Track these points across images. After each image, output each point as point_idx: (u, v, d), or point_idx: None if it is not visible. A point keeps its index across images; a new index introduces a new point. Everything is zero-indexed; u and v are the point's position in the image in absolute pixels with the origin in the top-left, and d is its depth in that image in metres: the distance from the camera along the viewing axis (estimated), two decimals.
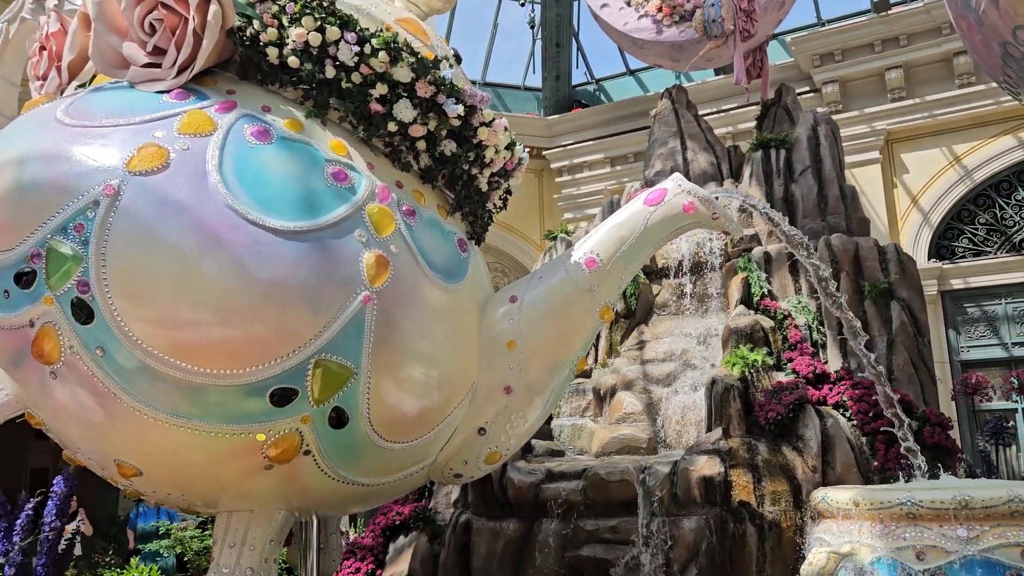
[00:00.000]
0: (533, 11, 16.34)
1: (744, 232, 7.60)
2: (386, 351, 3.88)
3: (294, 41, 4.20)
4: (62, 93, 4.70)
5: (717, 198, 4.59)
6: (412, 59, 4.33)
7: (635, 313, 8.14)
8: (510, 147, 4.86)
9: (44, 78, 4.95)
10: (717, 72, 14.90)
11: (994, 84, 12.70)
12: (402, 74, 4.30)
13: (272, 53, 4.22)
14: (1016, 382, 9.50)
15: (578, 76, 17.02)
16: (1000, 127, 12.99)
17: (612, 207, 8.93)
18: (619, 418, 7.12)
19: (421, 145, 4.47)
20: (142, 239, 3.58)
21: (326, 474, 3.90)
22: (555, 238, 9.25)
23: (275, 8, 4.26)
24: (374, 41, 4.26)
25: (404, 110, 4.34)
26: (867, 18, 13.83)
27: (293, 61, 4.22)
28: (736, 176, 9.07)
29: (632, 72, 16.74)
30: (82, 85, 4.68)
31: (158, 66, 4.20)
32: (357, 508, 5.27)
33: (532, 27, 16.40)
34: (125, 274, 3.55)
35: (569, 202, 15.99)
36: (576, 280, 4.54)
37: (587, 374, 7.89)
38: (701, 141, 9.34)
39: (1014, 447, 10.81)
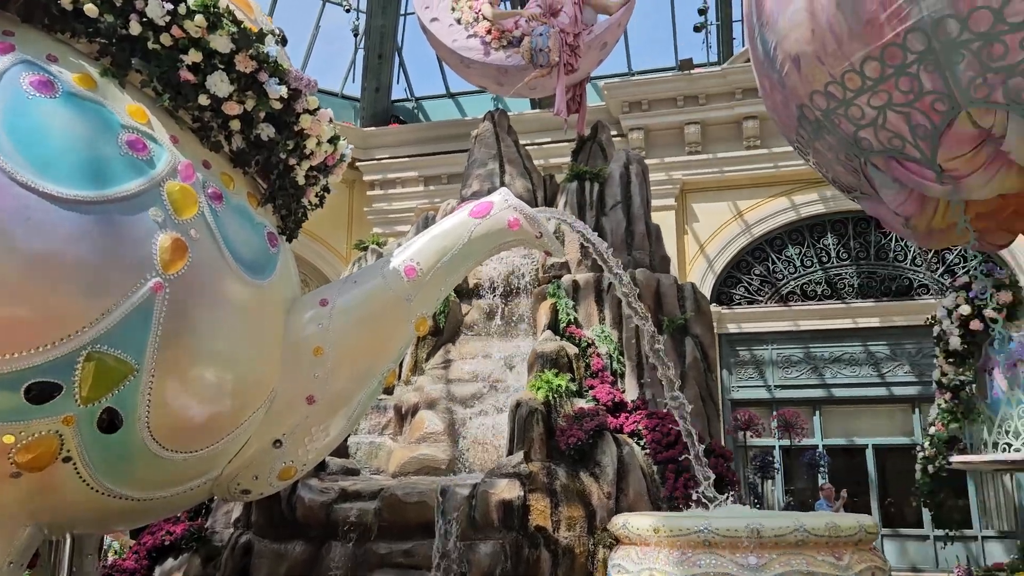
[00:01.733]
0: (358, 19, 15.97)
1: (559, 258, 7.72)
2: (175, 348, 3.43)
3: None
4: None
5: (549, 218, 4.55)
6: (234, 28, 3.93)
7: (443, 331, 8.00)
8: (333, 141, 4.55)
9: None
10: (533, 105, 15.32)
11: (775, 149, 14.10)
12: (220, 43, 3.89)
13: None
14: (784, 420, 10.39)
15: (398, 91, 16.83)
16: (777, 189, 14.35)
17: (427, 223, 8.78)
18: (420, 437, 6.90)
19: (235, 125, 4.06)
20: None
21: (88, 485, 3.34)
22: (366, 248, 8.95)
23: None
24: (191, 1, 3.83)
25: (219, 83, 3.92)
26: (672, 74, 14.85)
27: (91, 9, 3.68)
28: (550, 204, 9.27)
29: (452, 95, 16.80)
30: None
31: None
32: (123, 525, 4.62)
33: (355, 35, 16.02)
34: None
35: (379, 216, 15.67)
36: (393, 287, 4.30)
37: (389, 391, 7.62)
38: (519, 166, 9.47)
39: (772, 480, 11.81)
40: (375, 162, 15.72)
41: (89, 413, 3.20)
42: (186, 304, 3.47)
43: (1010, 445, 5.36)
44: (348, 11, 15.82)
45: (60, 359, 3.09)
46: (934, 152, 5.25)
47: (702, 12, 15.35)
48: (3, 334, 3.00)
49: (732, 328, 14.02)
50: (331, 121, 4.45)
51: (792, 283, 14.16)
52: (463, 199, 9.19)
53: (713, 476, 5.19)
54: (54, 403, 3.11)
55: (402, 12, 15.69)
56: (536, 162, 14.30)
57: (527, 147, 13.56)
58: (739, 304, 14.26)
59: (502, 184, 9.19)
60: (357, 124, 16.28)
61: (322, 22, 16.09)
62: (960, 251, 13.21)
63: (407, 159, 15.72)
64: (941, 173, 5.31)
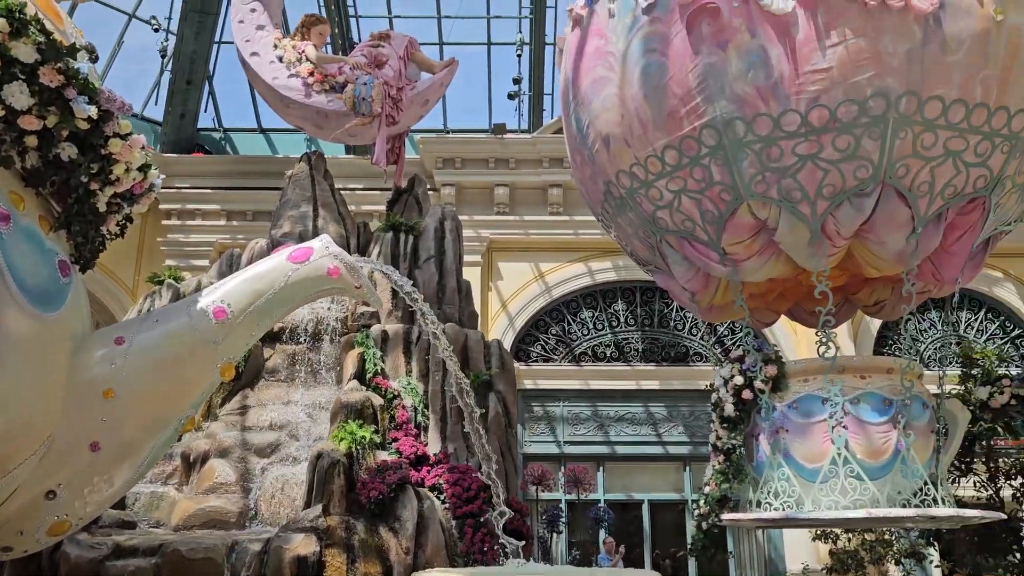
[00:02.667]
0: (167, 40, 15.14)
1: (377, 308, 7.65)
2: None
3: None
4: None
5: (364, 268, 4.54)
6: (41, 38, 3.64)
7: (241, 375, 7.60)
8: (144, 169, 4.29)
9: None
10: (348, 150, 15.23)
11: (577, 217, 14.95)
12: (24, 52, 3.59)
13: None
14: (573, 476, 10.83)
15: (205, 120, 16.07)
16: (576, 255, 15.18)
17: (231, 260, 8.40)
18: (209, 488, 6.46)
19: (31, 141, 3.73)
20: None
21: None
22: (161, 283, 8.36)
23: None
24: None
25: (18, 94, 3.60)
26: (486, 136, 15.39)
27: None
28: (363, 252, 9.20)
29: (264, 130, 16.33)
30: None
31: None
32: None
33: (163, 57, 15.16)
34: None
35: (174, 248, 14.73)
36: (200, 329, 4.07)
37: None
38: (334, 211, 9.34)
39: (559, 534, 12.21)
40: (174, 191, 14.81)
41: None
42: None
43: (771, 504, 5.95)
44: (157, 31, 14.98)
45: None
46: (719, 236, 5.85)
47: (516, 82, 16.12)
48: None
49: (528, 384, 14.49)
50: (143, 148, 4.20)
51: (584, 344, 14.93)
52: (272, 239, 8.90)
53: (499, 524, 5.32)
54: None
55: (217, 39, 15.11)
56: (349, 207, 14.21)
57: (341, 192, 13.47)
58: (536, 362, 14.80)
59: (315, 227, 9.01)
60: (157, 149, 15.30)
61: (126, 38, 15.12)
62: (729, 324, 14.61)
63: (210, 191, 14.98)
64: (724, 255, 5.92)
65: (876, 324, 14.56)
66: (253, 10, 10.26)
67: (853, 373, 5.86)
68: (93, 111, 3.79)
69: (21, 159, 3.74)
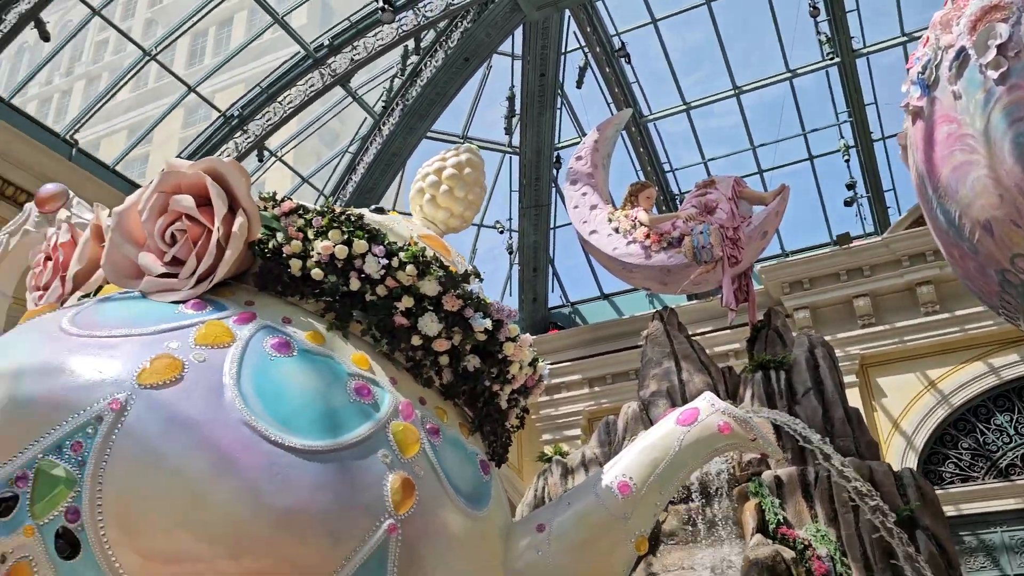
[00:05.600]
0: (511, 238, 17.03)
1: (777, 458, 7.31)
2: None
3: (319, 253, 4.11)
4: (63, 303, 4.51)
5: (750, 417, 4.38)
6: (441, 273, 4.25)
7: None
8: (533, 363, 4.68)
9: (45, 288, 4.79)
10: (690, 298, 15.37)
11: (959, 312, 13.24)
12: (429, 287, 4.20)
13: (295, 265, 4.10)
14: None
15: (553, 299, 17.46)
16: (969, 353, 13.36)
17: (608, 428, 8.67)
18: None
19: (444, 360, 4.27)
20: (146, 459, 3.20)
21: None
22: (549, 460, 8.88)
23: (301, 222, 4.22)
24: (402, 254, 4.20)
25: (430, 323, 4.18)
26: (830, 250, 14.61)
27: (317, 273, 4.09)
28: (733, 397, 8.97)
29: (606, 296, 17.24)
30: (86, 296, 4.49)
31: (174, 276, 4.05)
32: None
33: (510, 253, 17.03)
34: (122, 500, 3.13)
35: (547, 423, 15.73)
36: (608, 506, 4.17)
37: None
38: (695, 362, 9.34)
39: None
40: None
41: None
42: (416, 544, 3.49)
43: None
44: (502, 232, 16.95)
45: None
46: None
47: (850, 187, 15.29)
48: None
49: (949, 511, 12.57)
50: (531, 345, 4.60)
51: (1010, 454, 12.74)
52: (642, 400, 9.09)
53: None
54: None
55: (552, 226, 16.64)
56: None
57: (694, 337, 13.50)
58: (952, 483, 12.90)
59: (680, 381, 9.05)
60: None
61: (478, 244, 17.31)
62: None
63: (569, 363, 15.95)
64: None
65: None
66: (584, 194, 11.17)
67: None
68: (488, 324, 4.26)
69: (439, 377, 4.29)
